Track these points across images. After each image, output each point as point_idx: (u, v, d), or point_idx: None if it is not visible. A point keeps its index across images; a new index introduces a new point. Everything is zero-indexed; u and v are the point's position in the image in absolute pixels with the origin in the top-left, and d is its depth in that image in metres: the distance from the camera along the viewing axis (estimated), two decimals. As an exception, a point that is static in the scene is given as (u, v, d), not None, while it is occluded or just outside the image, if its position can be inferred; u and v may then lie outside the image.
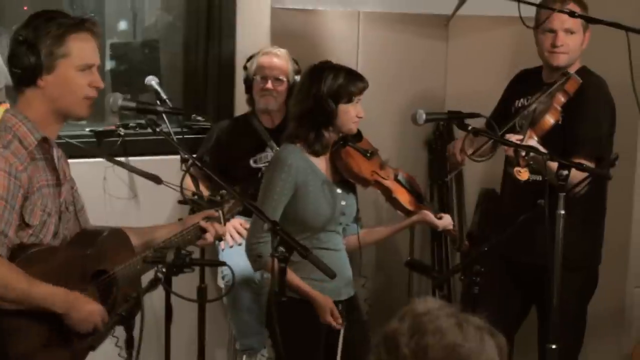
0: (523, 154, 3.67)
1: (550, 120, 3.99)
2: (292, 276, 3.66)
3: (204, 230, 3.40)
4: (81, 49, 3.01)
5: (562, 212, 3.47)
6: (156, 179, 4.61)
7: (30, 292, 2.80)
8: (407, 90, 5.59)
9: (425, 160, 5.73)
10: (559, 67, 4.19)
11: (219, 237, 3.49)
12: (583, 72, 4.21)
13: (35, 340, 2.88)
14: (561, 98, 4.06)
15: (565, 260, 3.52)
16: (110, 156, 4.73)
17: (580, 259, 4.17)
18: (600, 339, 5.01)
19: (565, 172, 3.48)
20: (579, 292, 4.26)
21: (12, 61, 3.01)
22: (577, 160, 3.77)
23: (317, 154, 3.87)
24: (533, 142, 3.88)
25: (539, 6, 4.20)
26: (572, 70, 4.19)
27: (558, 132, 4.06)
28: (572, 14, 3.94)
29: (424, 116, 3.86)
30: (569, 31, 4.14)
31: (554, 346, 3.50)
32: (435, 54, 5.69)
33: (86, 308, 2.95)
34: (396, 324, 1.93)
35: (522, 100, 4.32)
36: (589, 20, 4.02)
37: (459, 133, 4.23)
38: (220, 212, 3.46)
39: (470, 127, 3.76)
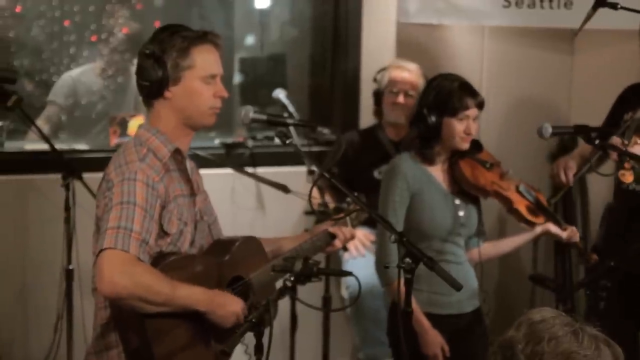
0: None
1: None
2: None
3: (333, 236, 3.46)
4: (205, 60, 3.08)
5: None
6: (284, 188, 4.71)
7: (174, 294, 2.88)
8: (532, 104, 5.57)
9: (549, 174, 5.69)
10: None
11: (348, 241, 3.52)
12: None
13: (177, 342, 2.96)
14: None
15: None
16: (239, 167, 4.84)
17: None
18: None
19: None
20: None
21: (140, 74, 3.09)
22: None
23: (431, 163, 3.86)
24: (639, 147, 3.98)
25: None
26: None
27: None
28: None
29: (550, 130, 3.86)
30: None
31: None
32: (561, 68, 5.66)
33: (227, 302, 3.01)
34: (512, 332, 1.97)
35: (630, 113, 4.36)
36: None
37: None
38: (348, 218, 3.50)
39: (597, 142, 3.75)
